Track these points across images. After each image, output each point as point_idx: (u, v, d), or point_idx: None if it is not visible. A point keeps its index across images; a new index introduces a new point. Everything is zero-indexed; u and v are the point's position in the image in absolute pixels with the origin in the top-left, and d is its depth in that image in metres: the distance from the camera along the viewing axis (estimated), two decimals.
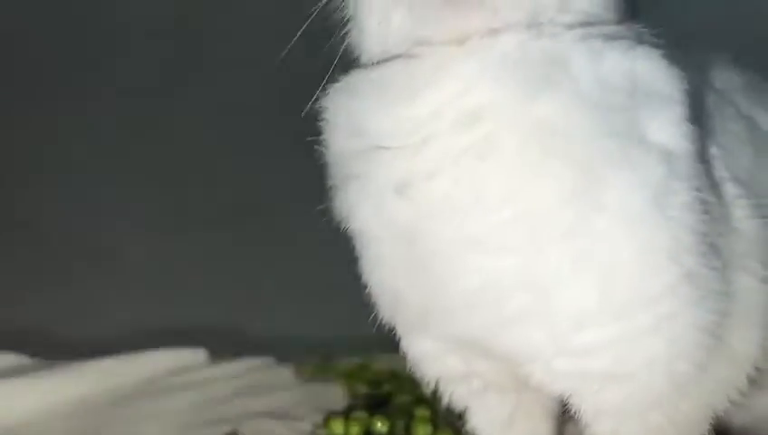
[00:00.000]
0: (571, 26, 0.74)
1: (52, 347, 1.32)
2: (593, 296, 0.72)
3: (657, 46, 0.76)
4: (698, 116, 0.78)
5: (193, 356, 1.28)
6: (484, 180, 0.72)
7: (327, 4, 0.80)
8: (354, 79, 0.78)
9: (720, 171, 0.80)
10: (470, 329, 0.76)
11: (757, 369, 0.80)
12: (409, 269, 0.76)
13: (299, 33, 0.79)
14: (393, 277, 0.78)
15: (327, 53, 0.81)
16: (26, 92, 1.59)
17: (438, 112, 0.72)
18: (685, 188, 0.73)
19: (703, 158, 0.77)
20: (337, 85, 0.79)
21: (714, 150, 0.80)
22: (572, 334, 0.74)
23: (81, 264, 1.53)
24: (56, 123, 1.58)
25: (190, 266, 1.49)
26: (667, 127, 0.73)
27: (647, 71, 0.74)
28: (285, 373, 1.26)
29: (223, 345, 1.32)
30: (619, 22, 0.77)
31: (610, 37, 0.74)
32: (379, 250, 0.78)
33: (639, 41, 0.75)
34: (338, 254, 0.84)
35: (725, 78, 0.89)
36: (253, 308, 1.42)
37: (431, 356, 0.84)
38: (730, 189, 0.79)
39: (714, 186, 0.78)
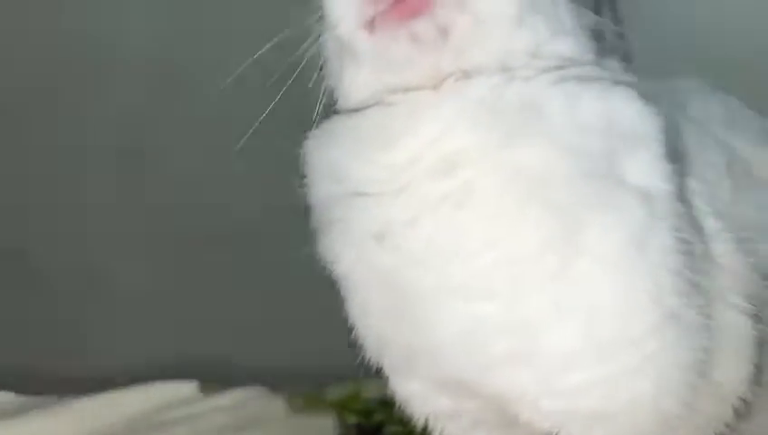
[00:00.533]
0: (544, 70, 0.74)
1: (41, 384, 1.32)
2: (578, 339, 0.73)
3: (632, 84, 0.76)
4: (676, 150, 0.78)
5: (185, 389, 1.28)
6: (465, 227, 0.72)
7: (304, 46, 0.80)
8: (332, 126, 0.79)
9: (701, 205, 0.80)
10: (457, 371, 0.76)
11: (743, 401, 0.81)
12: (395, 314, 0.76)
13: (248, 62, 0.80)
14: (379, 321, 0.79)
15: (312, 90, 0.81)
16: (18, 121, 1.59)
17: (415, 159, 0.73)
18: (665, 229, 0.73)
19: (682, 193, 0.77)
20: (316, 132, 0.80)
21: (693, 184, 0.80)
22: (559, 376, 0.74)
23: (69, 297, 1.52)
24: (47, 153, 1.58)
25: (181, 297, 1.49)
26: (645, 168, 0.74)
27: (623, 112, 0.74)
28: (278, 404, 1.26)
29: (215, 375, 1.32)
30: (595, 59, 0.77)
31: (585, 79, 0.74)
32: (364, 295, 0.78)
33: (615, 81, 0.76)
34: (329, 282, 0.84)
35: (703, 106, 0.90)
36: (244, 337, 1.42)
37: (419, 396, 0.84)
38: (711, 224, 0.80)
39: (694, 222, 0.78)
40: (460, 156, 0.72)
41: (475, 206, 0.72)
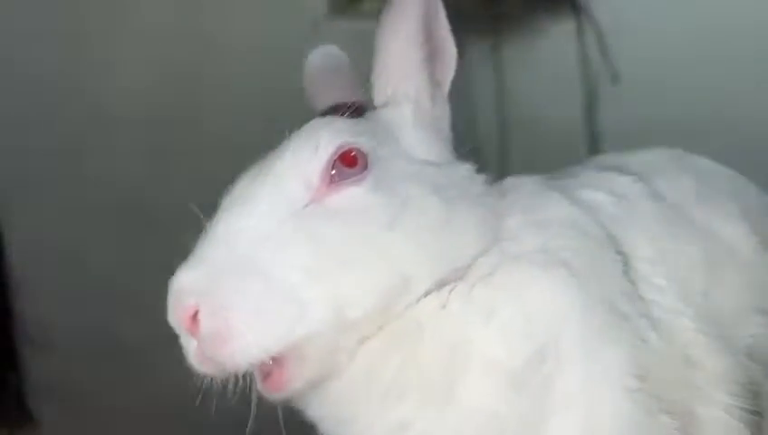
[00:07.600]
0: (452, 289, 0.76)
1: None
2: None
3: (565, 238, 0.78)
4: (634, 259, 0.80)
5: None
6: None
7: None
8: None
9: (673, 304, 0.80)
10: None
11: None
12: None
13: None
14: None
15: None
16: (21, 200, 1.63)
17: (371, 426, 0.76)
18: (617, 393, 0.75)
19: (642, 309, 0.78)
20: None
21: (663, 283, 0.80)
22: None
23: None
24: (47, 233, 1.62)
25: None
26: (577, 345, 0.75)
27: (538, 307, 0.76)
28: None
29: None
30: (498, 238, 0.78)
31: (488, 280, 0.76)
32: None
33: (528, 259, 0.77)
34: None
35: (675, 186, 0.87)
36: None
37: None
38: (687, 325, 0.79)
39: (656, 342, 0.78)
40: (409, 421, 0.75)
41: None
